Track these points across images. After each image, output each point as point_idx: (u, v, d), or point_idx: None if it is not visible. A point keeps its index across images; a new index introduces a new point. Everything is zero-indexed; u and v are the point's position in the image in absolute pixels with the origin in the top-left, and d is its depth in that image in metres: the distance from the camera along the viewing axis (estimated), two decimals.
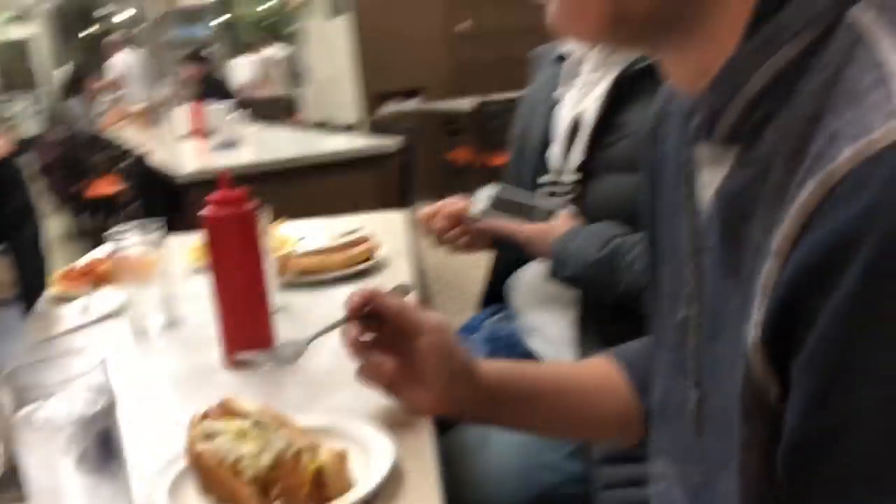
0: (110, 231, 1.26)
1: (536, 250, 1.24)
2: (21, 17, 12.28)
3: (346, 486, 0.70)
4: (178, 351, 1.19)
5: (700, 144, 0.52)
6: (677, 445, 0.65)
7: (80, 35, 13.63)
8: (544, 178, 1.31)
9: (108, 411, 0.65)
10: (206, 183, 3.16)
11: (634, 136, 1.12)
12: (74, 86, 6.93)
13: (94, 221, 5.49)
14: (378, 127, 4.51)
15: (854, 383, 0.39)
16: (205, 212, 1.00)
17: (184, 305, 1.31)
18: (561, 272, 1.19)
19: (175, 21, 8.29)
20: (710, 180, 0.52)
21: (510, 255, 1.38)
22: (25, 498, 0.67)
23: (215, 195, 1.01)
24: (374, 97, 5.98)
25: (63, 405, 0.64)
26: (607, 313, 1.18)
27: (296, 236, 1.55)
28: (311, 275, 1.39)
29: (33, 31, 12.55)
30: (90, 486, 0.65)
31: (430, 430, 0.83)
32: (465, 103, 5.32)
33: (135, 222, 1.28)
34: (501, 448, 1.26)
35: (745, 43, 0.47)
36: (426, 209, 1.38)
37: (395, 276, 1.41)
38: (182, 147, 4.53)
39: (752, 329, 0.44)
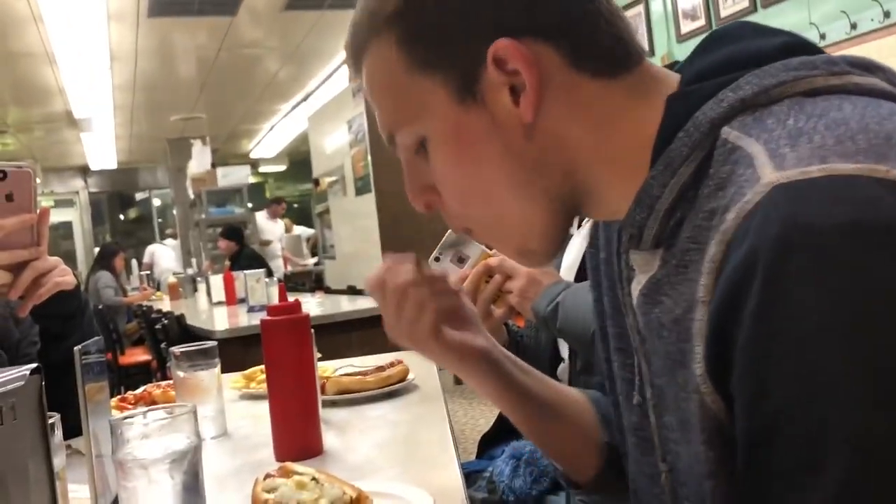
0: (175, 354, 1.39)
1: (532, 290, 1.35)
2: (67, 202, 13.11)
3: None
4: (230, 453, 1.29)
5: (633, 253, 0.64)
6: None
7: (121, 217, 14.46)
8: None
9: (197, 448, 0.77)
10: (240, 339, 3.33)
11: None
12: (105, 260, 7.33)
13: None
14: None
15: (777, 382, 0.48)
16: (264, 318, 1.15)
17: (231, 423, 1.43)
18: (553, 308, 1.30)
19: (210, 201, 8.81)
20: (642, 280, 0.63)
21: None
22: None
23: (273, 305, 1.16)
24: None
25: (159, 444, 0.76)
26: None
27: (333, 367, 1.69)
28: (349, 393, 1.52)
29: (76, 215, 13.34)
30: None
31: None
32: None
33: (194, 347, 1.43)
34: None
35: (651, 171, 0.60)
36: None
37: (426, 395, 1.53)
38: (217, 311, 4.74)
39: (697, 367, 0.55)
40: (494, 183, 0.64)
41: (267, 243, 8.99)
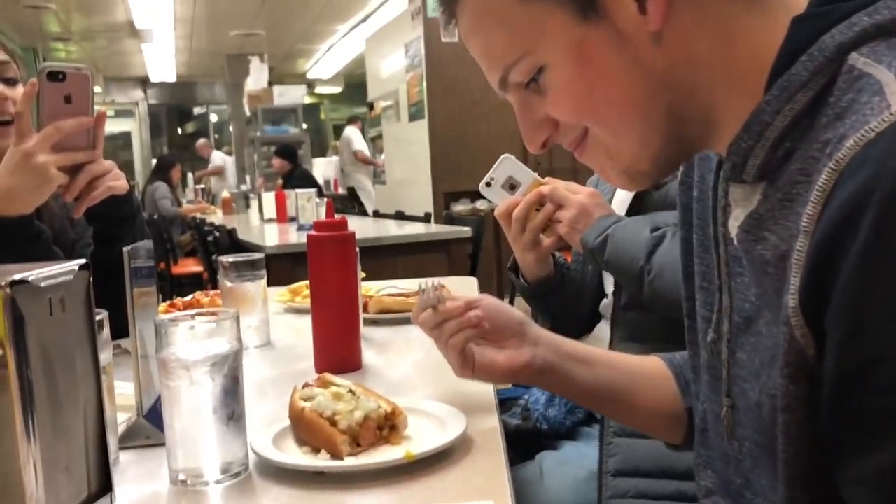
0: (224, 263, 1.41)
1: (582, 221, 1.33)
2: (126, 113, 13.33)
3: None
4: (271, 362, 1.33)
5: (732, 185, 0.62)
6: (718, 456, 0.73)
7: (178, 130, 14.67)
8: None
9: (238, 353, 0.79)
10: (289, 255, 3.38)
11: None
12: (162, 172, 7.49)
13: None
14: (450, 220, 4.73)
15: (877, 322, 0.47)
16: (310, 233, 1.16)
17: (274, 334, 1.46)
18: (602, 240, 1.28)
19: (265, 119, 8.85)
20: (740, 215, 0.61)
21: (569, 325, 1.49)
22: (162, 440, 0.81)
23: (320, 221, 1.17)
24: (444, 195, 6.26)
25: (201, 346, 0.78)
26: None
27: (376, 287, 1.71)
28: (390, 313, 1.53)
29: (135, 125, 13.57)
30: (216, 426, 0.78)
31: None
32: None
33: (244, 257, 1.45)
34: (556, 483, 1.35)
35: (765, 95, 0.57)
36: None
37: None
38: (267, 227, 4.82)
39: (790, 299, 0.52)
40: (619, 98, 0.62)
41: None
